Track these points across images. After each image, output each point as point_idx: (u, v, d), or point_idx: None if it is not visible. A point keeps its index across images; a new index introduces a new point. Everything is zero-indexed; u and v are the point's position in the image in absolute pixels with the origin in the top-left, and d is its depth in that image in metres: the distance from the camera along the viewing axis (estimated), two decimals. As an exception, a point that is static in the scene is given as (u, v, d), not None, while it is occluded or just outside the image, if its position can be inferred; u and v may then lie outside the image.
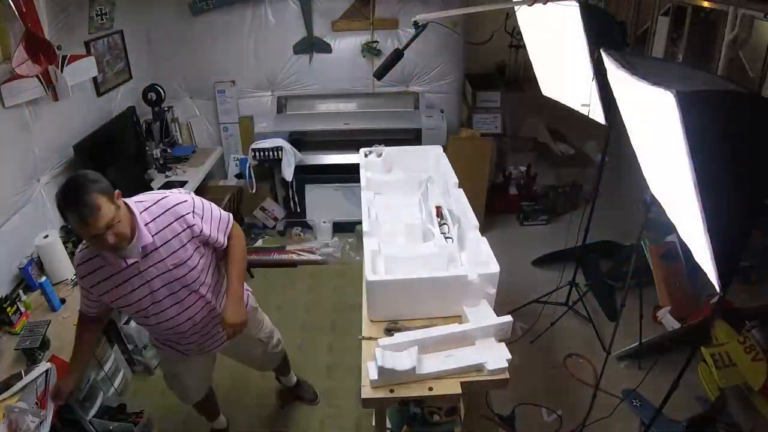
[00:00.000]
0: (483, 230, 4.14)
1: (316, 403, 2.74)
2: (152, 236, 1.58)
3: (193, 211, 1.67)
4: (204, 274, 1.74)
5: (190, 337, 1.86)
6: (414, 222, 2.31)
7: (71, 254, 2.69)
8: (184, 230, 1.64)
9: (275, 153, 3.86)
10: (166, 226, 1.61)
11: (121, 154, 3.41)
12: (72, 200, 1.40)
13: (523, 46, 2.92)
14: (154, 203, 1.62)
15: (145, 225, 1.57)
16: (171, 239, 1.61)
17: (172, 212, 1.62)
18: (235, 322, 1.71)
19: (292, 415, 2.69)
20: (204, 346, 1.95)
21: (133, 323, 2.78)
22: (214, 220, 1.74)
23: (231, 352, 2.16)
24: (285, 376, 2.69)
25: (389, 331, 1.81)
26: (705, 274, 1.38)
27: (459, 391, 1.61)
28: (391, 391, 1.60)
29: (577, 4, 2.08)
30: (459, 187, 2.46)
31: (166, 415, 2.69)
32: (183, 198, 1.68)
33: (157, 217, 1.60)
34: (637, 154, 1.75)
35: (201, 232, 1.68)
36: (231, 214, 1.82)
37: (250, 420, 2.68)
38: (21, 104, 2.56)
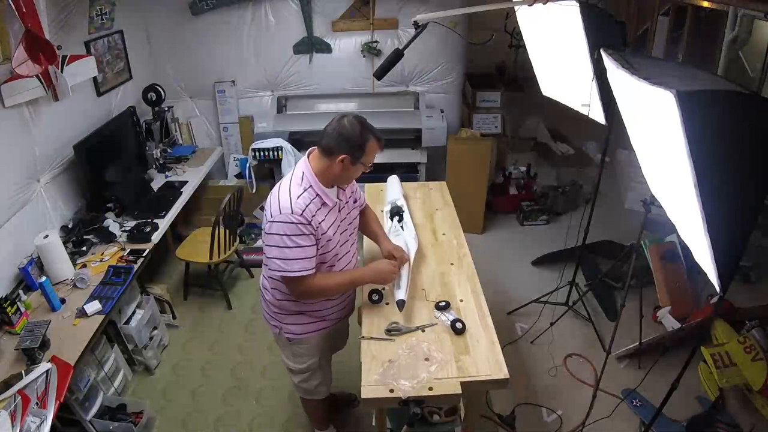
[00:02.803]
0: (483, 230, 4.21)
1: (357, 404, 2.67)
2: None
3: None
4: (357, 224, 2.08)
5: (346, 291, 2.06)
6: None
7: (71, 254, 2.70)
8: (354, 191, 2.02)
9: (275, 153, 3.87)
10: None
11: (121, 154, 3.41)
12: (376, 129, 1.79)
13: (523, 46, 2.91)
14: None
15: None
16: (353, 193, 2.01)
17: None
18: (400, 253, 2.02)
19: (293, 413, 2.69)
20: (346, 303, 2.11)
21: (133, 323, 2.79)
22: (358, 187, 2.09)
23: (342, 322, 2.22)
24: None
25: (389, 331, 1.82)
26: (705, 274, 1.39)
27: (459, 391, 1.61)
28: (391, 391, 1.60)
29: (577, 4, 2.08)
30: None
31: (166, 415, 2.69)
32: None
33: None
34: (637, 154, 1.75)
35: (354, 191, 2.03)
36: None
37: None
38: (21, 104, 2.56)
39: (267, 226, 1.75)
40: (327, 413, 2.44)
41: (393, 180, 2.78)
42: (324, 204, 1.78)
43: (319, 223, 1.75)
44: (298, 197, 1.72)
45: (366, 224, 2.17)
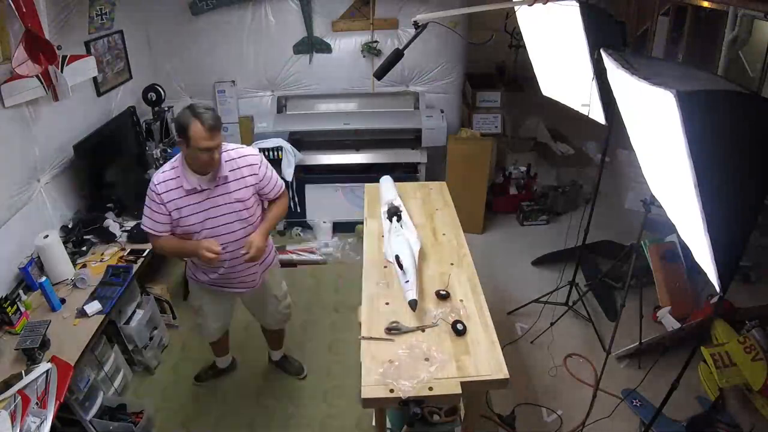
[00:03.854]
0: (483, 230, 4.21)
1: (303, 377, 2.89)
2: (227, 172, 2.04)
3: (260, 165, 2.12)
4: (253, 216, 2.17)
5: (224, 264, 2.17)
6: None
7: (71, 254, 2.70)
8: (250, 176, 2.10)
9: (275, 153, 3.87)
10: (238, 168, 2.07)
11: (121, 154, 3.41)
12: (207, 113, 1.88)
13: (523, 46, 2.92)
14: (234, 149, 2.10)
15: (225, 162, 2.04)
16: (239, 179, 2.07)
17: (245, 160, 2.09)
18: (258, 245, 2.08)
19: (293, 413, 2.69)
20: (231, 279, 2.28)
21: (133, 323, 2.79)
22: (273, 178, 2.21)
23: (248, 299, 2.52)
24: (277, 350, 2.90)
25: (389, 331, 1.82)
26: (705, 274, 1.39)
27: (459, 391, 1.61)
28: (391, 391, 1.60)
29: (577, 4, 2.08)
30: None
31: (166, 415, 2.69)
32: (255, 152, 2.16)
33: (234, 159, 2.07)
34: (637, 154, 1.75)
35: (260, 182, 2.14)
36: (284, 183, 2.28)
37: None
38: (21, 104, 2.55)
39: None
40: (219, 350, 2.82)
41: (386, 180, 2.77)
42: (180, 187, 1.99)
43: (173, 200, 2.00)
44: (163, 172, 2.02)
45: (268, 206, 2.30)
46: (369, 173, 3.78)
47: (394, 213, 2.40)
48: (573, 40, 2.18)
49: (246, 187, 2.09)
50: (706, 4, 2.98)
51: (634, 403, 2.64)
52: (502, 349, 1.75)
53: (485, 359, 1.70)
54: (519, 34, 4.18)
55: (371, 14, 4.02)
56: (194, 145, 1.89)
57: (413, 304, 1.85)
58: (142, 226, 2.10)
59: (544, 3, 2.05)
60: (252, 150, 2.16)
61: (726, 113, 1.20)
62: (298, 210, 4.18)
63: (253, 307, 2.60)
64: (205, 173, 2.00)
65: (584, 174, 4.72)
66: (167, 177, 2.00)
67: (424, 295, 1.99)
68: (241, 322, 3.06)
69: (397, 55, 2.14)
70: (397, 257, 2.03)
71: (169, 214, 2.03)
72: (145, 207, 2.05)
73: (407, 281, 1.93)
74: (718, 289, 1.34)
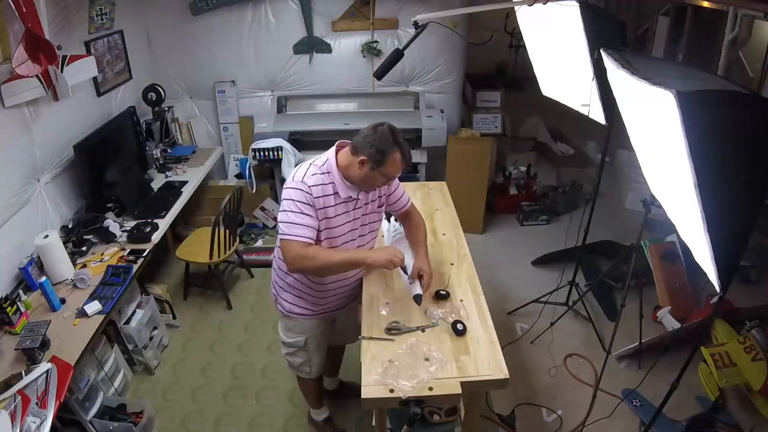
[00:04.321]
0: (483, 230, 4.21)
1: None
2: None
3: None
4: (377, 222, 2.08)
5: (346, 281, 2.08)
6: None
7: (71, 254, 2.70)
8: (383, 195, 2.03)
9: (275, 153, 3.87)
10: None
11: (121, 154, 3.41)
12: (406, 146, 1.81)
13: (523, 46, 2.91)
14: None
15: None
16: (381, 198, 2.02)
17: None
18: (430, 272, 1.94)
19: (293, 413, 2.69)
20: (346, 296, 2.15)
21: (133, 323, 2.79)
22: (400, 190, 2.11)
23: (348, 312, 2.26)
24: (334, 376, 2.74)
25: (389, 331, 1.82)
26: (705, 274, 1.38)
27: (459, 391, 1.60)
28: (391, 391, 1.60)
29: (577, 4, 2.08)
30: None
31: (166, 415, 2.69)
32: None
33: None
34: (637, 154, 1.75)
35: (389, 192, 2.06)
36: (410, 199, 2.17)
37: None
38: (21, 104, 2.56)
39: (282, 194, 1.86)
40: (318, 394, 2.50)
41: None
42: (336, 193, 1.83)
43: (324, 207, 1.82)
44: (313, 175, 1.82)
45: (407, 233, 2.17)
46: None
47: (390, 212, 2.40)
48: (573, 40, 2.18)
49: (379, 197, 2.02)
50: (706, 4, 2.97)
51: (634, 403, 2.64)
52: (502, 349, 1.74)
53: (485, 359, 1.70)
54: (519, 34, 4.18)
55: (371, 14, 4.02)
56: (384, 172, 1.79)
57: (418, 299, 1.87)
58: (284, 237, 1.79)
59: (544, 3, 2.05)
60: None
61: (726, 113, 1.20)
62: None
63: (348, 321, 2.31)
64: (363, 189, 1.89)
65: (584, 174, 4.73)
66: (319, 181, 1.81)
67: (424, 294, 1.99)
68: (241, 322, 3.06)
69: (397, 55, 2.14)
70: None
71: (319, 223, 1.84)
72: (288, 214, 1.78)
73: (411, 283, 1.94)
74: (718, 289, 1.34)
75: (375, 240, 2.11)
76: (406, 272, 1.96)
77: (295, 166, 3.80)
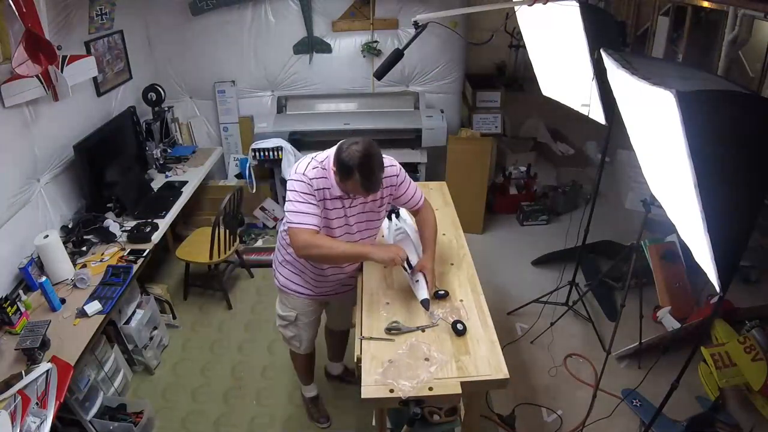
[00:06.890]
0: (483, 230, 4.21)
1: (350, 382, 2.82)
2: None
3: (397, 176, 2.05)
4: (378, 221, 2.12)
5: (343, 271, 2.15)
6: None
7: (71, 254, 2.70)
8: (387, 187, 2.02)
9: (275, 153, 3.87)
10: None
11: (121, 154, 3.41)
12: (374, 177, 1.77)
13: (523, 46, 2.92)
14: None
15: None
16: (383, 198, 2.04)
17: (386, 171, 1.95)
18: (433, 270, 1.98)
19: (293, 413, 2.69)
20: (344, 285, 2.23)
21: (133, 323, 2.79)
22: (411, 189, 2.11)
23: (341, 300, 2.34)
24: (338, 361, 2.83)
25: (389, 331, 1.82)
26: (705, 274, 1.38)
27: (459, 391, 1.60)
28: (391, 391, 1.60)
29: (577, 4, 2.08)
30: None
31: (166, 415, 2.70)
32: (394, 163, 2.06)
33: None
34: (637, 154, 1.75)
35: (395, 192, 2.07)
36: (423, 194, 2.17)
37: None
38: (21, 104, 2.56)
39: (287, 186, 1.93)
40: (307, 370, 2.60)
41: None
42: (331, 188, 1.89)
43: (323, 200, 1.89)
44: (313, 168, 1.88)
45: (419, 231, 2.18)
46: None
47: (392, 210, 2.40)
48: (573, 40, 2.18)
49: (381, 197, 2.03)
50: (706, 4, 2.97)
51: (634, 403, 2.64)
52: (502, 349, 1.74)
53: (485, 359, 1.70)
54: (519, 34, 4.19)
55: (371, 14, 4.02)
56: (345, 189, 1.85)
57: (426, 304, 1.87)
58: (292, 225, 1.85)
59: (544, 3, 2.05)
60: (391, 161, 2.03)
61: (726, 113, 1.20)
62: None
63: (341, 308, 2.41)
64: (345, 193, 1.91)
65: (584, 174, 4.73)
66: (318, 174, 1.87)
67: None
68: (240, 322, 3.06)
69: (397, 55, 2.14)
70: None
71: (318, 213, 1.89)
72: (292, 203, 1.86)
73: (417, 281, 1.93)
74: (718, 289, 1.34)
75: (373, 238, 2.14)
76: (409, 268, 1.95)
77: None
